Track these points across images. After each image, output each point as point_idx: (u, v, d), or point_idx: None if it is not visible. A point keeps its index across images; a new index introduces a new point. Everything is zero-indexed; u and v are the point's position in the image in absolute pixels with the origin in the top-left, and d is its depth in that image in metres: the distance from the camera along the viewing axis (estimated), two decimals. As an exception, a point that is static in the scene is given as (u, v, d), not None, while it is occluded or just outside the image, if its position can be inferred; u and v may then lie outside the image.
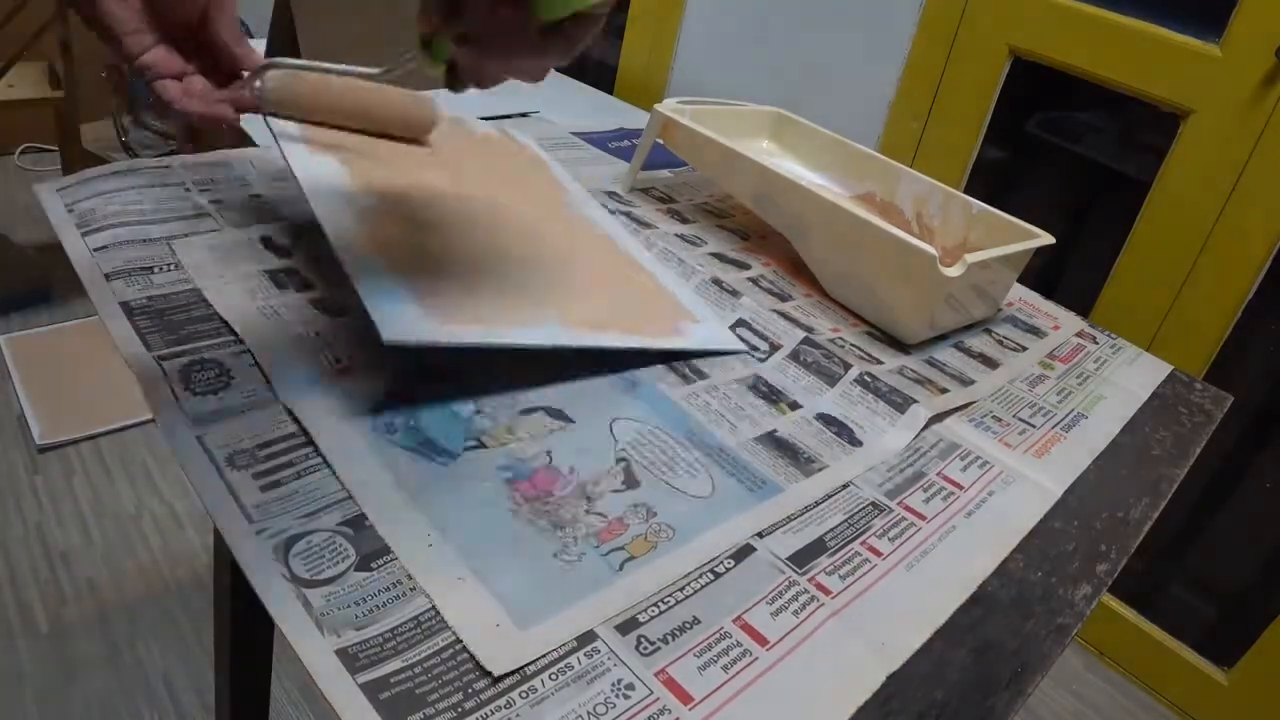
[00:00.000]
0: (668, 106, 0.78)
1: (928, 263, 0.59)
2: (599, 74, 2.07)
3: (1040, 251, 0.67)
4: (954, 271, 0.59)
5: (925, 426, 0.55)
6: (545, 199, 0.70)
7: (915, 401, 0.56)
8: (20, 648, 1.19)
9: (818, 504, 0.47)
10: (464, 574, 0.37)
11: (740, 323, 0.62)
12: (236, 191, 0.65)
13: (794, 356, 0.59)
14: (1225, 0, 1.23)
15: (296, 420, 0.44)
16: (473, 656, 0.34)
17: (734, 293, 0.65)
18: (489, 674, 0.33)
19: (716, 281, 0.66)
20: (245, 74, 0.61)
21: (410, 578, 0.37)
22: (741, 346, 0.59)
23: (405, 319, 0.44)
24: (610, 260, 0.64)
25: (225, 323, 0.50)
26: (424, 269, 0.50)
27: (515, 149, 0.78)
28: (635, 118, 1.08)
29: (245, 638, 0.94)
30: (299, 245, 0.59)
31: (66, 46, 1.75)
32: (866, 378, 0.58)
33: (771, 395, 0.55)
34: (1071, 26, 1.38)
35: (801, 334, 0.61)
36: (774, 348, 0.60)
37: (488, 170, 0.70)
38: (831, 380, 0.58)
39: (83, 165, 0.64)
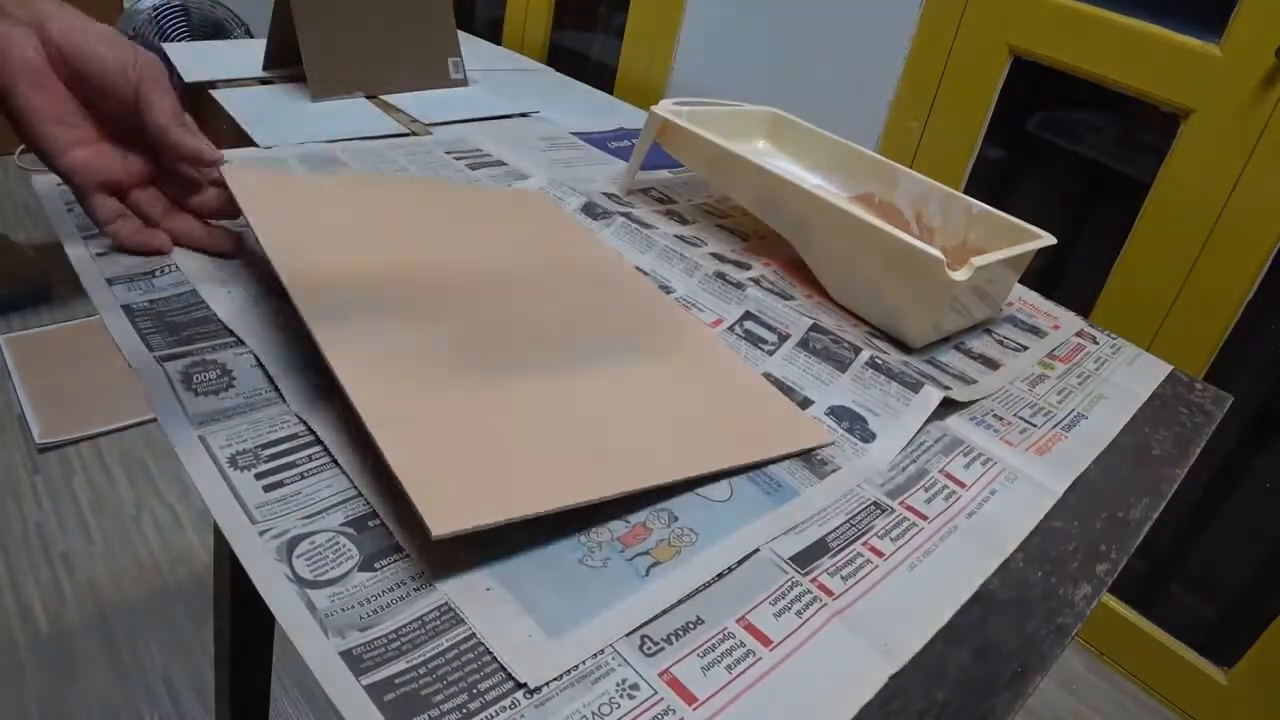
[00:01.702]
0: (664, 108, 0.77)
1: (935, 267, 0.59)
2: (599, 74, 2.08)
3: (1041, 251, 0.67)
4: (961, 275, 0.59)
5: (929, 420, 0.55)
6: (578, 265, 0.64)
7: (924, 384, 0.56)
8: (20, 648, 1.19)
9: (822, 506, 0.47)
10: (491, 584, 0.37)
11: (747, 315, 0.62)
12: (238, 192, 0.65)
13: (803, 344, 0.59)
14: (1225, 0, 1.23)
15: (304, 422, 0.44)
16: (505, 668, 0.34)
17: (739, 285, 0.65)
18: (514, 680, 0.33)
19: (720, 275, 0.66)
20: (203, 171, 0.54)
21: (415, 578, 0.37)
22: (832, 436, 0.53)
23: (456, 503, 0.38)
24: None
25: (226, 326, 0.50)
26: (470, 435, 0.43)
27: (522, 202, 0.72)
28: (635, 118, 1.08)
29: (245, 637, 0.94)
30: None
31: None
32: (878, 360, 0.58)
33: (782, 392, 0.55)
34: (1071, 26, 1.37)
35: (809, 321, 0.61)
36: (782, 338, 0.60)
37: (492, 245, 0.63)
38: (842, 365, 0.58)
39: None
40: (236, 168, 0.56)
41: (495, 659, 0.34)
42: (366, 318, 0.49)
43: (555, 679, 0.34)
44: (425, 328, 0.50)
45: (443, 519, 0.35)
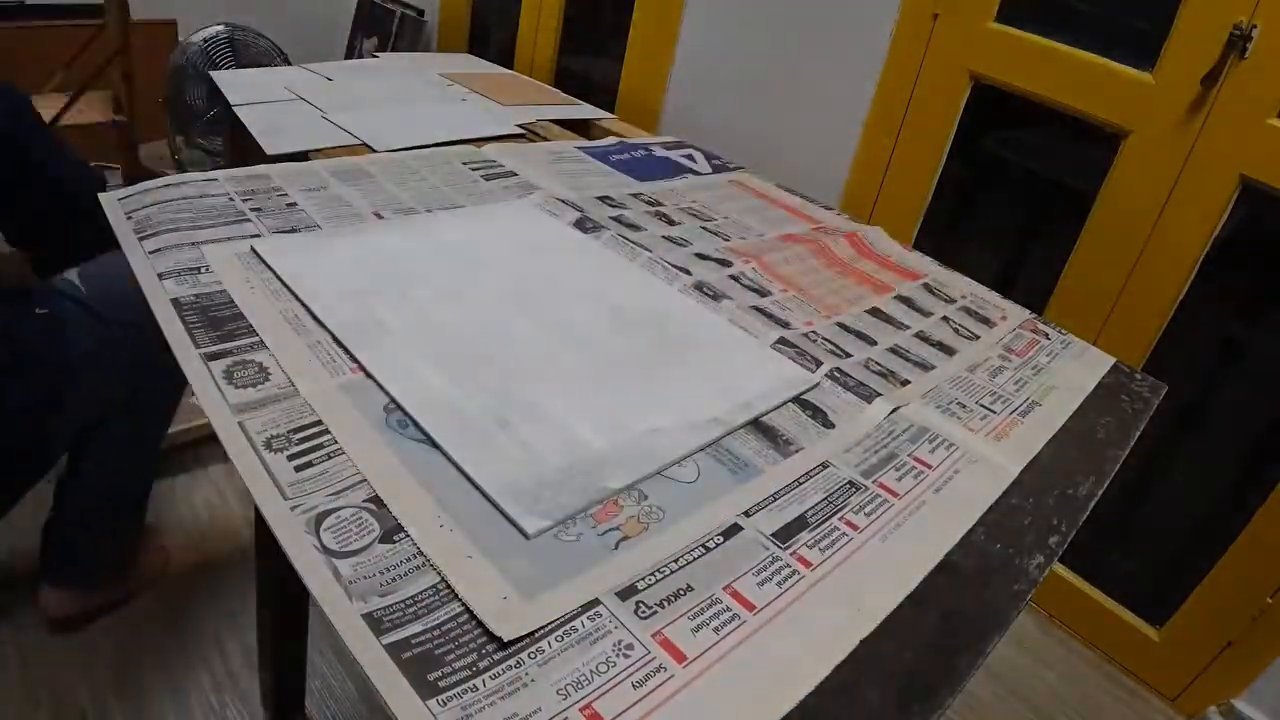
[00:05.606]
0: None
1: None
2: (602, 94, 2.05)
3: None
4: None
5: (893, 411, 0.54)
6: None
7: (879, 395, 0.55)
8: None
9: (799, 483, 0.46)
10: (472, 552, 0.36)
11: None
12: (274, 200, 0.64)
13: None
14: (1158, 33, 1.22)
15: (315, 414, 0.43)
16: (483, 625, 0.33)
17: (715, 296, 0.63)
18: (500, 639, 0.33)
19: (699, 287, 0.64)
20: None
21: (424, 553, 0.36)
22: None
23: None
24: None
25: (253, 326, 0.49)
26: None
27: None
28: (634, 134, 1.07)
29: (282, 603, 0.93)
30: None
31: (128, 77, 1.75)
32: (836, 373, 0.57)
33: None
34: (1025, 55, 1.37)
35: (777, 333, 0.60)
36: None
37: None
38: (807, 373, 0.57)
39: (141, 180, 0.62)
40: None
41: (477, 619, 0.33)
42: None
43: (554, 638, 0.33)
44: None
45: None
